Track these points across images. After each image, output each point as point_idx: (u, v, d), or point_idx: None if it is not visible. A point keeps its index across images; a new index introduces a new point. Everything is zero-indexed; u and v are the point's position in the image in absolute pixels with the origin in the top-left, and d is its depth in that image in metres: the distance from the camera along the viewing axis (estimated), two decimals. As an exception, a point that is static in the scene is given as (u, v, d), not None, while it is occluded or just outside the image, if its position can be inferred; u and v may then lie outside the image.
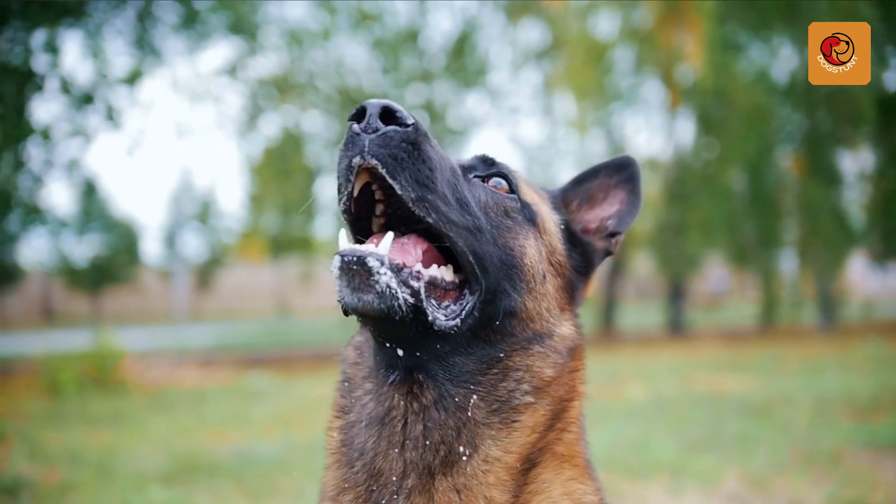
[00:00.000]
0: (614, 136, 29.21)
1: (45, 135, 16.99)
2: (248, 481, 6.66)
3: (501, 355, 1.89)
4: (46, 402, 13.39)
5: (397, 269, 1.73)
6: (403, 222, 1.89)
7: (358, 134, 1.78)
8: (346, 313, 1.79)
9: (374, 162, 1.75)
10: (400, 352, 1.83)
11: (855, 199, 29.71)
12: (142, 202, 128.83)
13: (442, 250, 1.90)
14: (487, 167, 2.12)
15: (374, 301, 1.71)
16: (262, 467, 7.24)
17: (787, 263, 31.09)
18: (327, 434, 2.08)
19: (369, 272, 1.70)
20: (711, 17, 23.44)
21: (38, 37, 16.04)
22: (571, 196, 2.38)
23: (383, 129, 1.77)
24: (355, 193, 1.84)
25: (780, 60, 27.02)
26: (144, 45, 17.95)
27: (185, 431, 9.88)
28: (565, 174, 30.59)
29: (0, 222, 18.71)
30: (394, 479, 1.84)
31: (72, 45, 34.06)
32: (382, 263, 1.71)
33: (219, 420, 10.93)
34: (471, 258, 1.85)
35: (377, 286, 1.70)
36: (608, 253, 2.34)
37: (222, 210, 60.16)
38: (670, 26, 25.76)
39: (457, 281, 1.89)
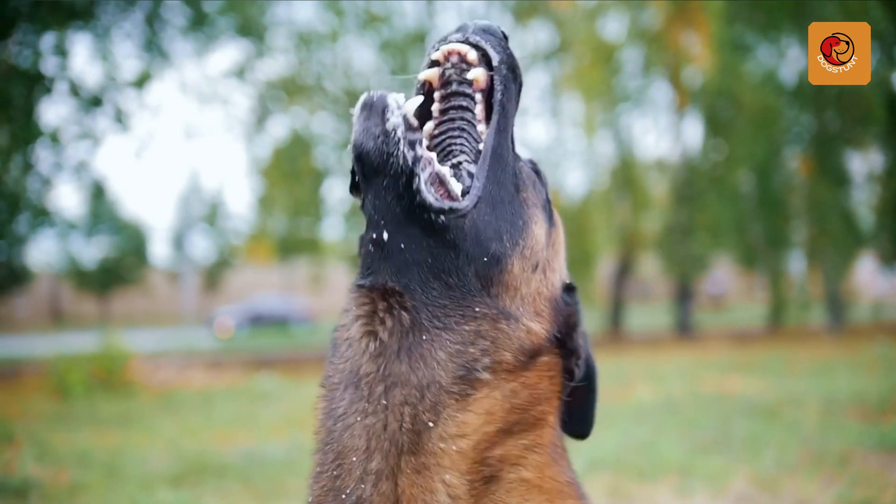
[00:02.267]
0: (622, 138, 29.21)
1: (54, 137, 17.07)
2: (257, 482, 6.67)
3: (476, 309, 1.75)
4: (55, 403, 13.44)
5: (410, 127, 1.70)
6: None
7: (466, 25, 1.84)
8: (355, 161, 1.75)
9: (476, 38, 1.80)
10: (385, 234, 1.72)
11: (864, 200, 29.67)
12: (150, 204, 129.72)
13: None
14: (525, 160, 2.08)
15: (380, 137, 1.68)
16: (270, 468, 7.25)
17: (796, 264, 31.05)
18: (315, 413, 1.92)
19: (385, 108, 1.69)
20: (719, 18, 23.42)
21: (47, 39, 16.12)
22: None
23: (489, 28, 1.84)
24: (421, 79, 1.86)
25: (788, 61, 26.98)
26: (153, 47, 18.02)
27: (194, 433, 9.90)
28: (573, 175, 30.64)
29: (9, 224, 18.79)
30: (354, 459, 1.72)
31: (80, 48, 34.30)
32: (400, 108, 1.70)
33: (227, 421, 10.95)
34: (489, 165, 1.80)
35: (387, 123, 1.68)
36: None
37: (230, 212, 60.40)
38: (678, 27, 25.75)
39: (456, 193, 1.79)
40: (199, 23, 18.94)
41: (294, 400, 13.04)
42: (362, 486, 1.70)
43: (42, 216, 19.76)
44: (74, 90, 16.56)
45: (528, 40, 27.98)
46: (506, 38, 1.84)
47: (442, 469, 1.69)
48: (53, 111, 27.01)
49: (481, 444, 1.74)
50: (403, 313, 1.72)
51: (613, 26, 28.73)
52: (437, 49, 1.83)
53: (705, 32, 24.01)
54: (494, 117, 1.81)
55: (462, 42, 1.80)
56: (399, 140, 1.67)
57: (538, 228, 1.89)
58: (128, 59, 18.05)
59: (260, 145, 27.85)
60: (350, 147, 1.74)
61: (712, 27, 23.41)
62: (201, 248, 61.31)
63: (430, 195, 1.69)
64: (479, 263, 1.75)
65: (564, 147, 29.77)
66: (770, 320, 30.39)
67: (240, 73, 24.09)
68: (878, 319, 29.90)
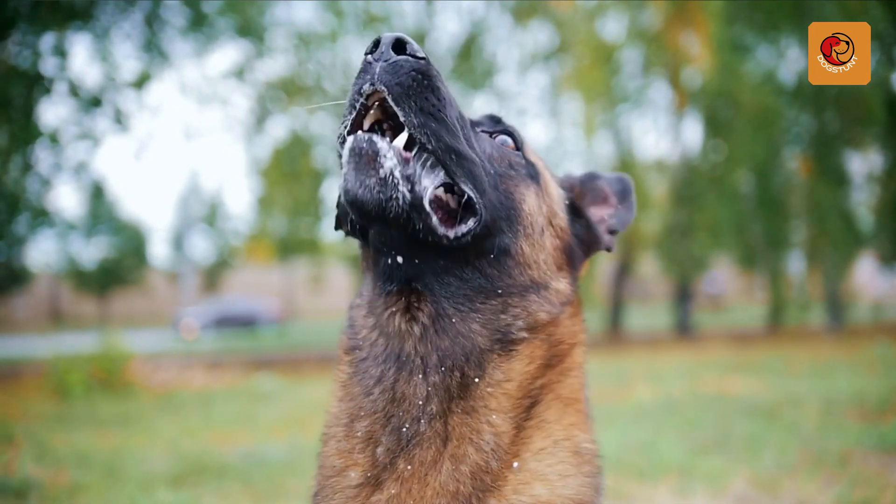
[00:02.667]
0: (622, 138, 29.21)
1: (54, 138, 17.07)
2: (256, 483, 6.66)
3: (499, 291, 1.93)
4: (54, 403, 13.43)
5: (403, 161, 1.74)
6: None
7: (370, 63, 1.81)
8: (349, 207, 1.77)
9: (381, 87, 1.77)
10: (399, 259, 1.85)
11: (863, 201, 29.67)
12: (149, 205, 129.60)
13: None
14: (494, 124, 2.16)
15: (376, 188, 1.70)
16: (269, 469, 7.25)
17: (795, 265, 31.05)
18: (336, 371, 2.11)
19: (377, 153, 1.72)
20: (719, 19, 23.43)
21: (47, 40, 16.12)
22: (586, 189, 2.44)
23: (394, 58, 1.79)
24: (366, 128, 1.85)
25: (788, 61, 26.98)
26: (152, 48, 18.01)
27: (193, 433, 9.89)
28: (573, 176, 30.55)
29: (8, 225, 18.78)
30: (419, 403, 1.88)
31: (80, 49, 34.31)
32: (391, 149, 1.73)
33: (226, 422, 10.94)
34: (471, 186, 1.85)
35: (381, 170, 1.71)
36: (608, 248, 2.40)
37: (230, 212, 60.37)
38: (678, 28, 25.76)
39: (455, 206, 1.88)
40: (198, 23, 18.93)
41: (294, 400, 13.03)
42: (420, 423, 1.88)
43: (42, 216, 19.76)
44: (74, 90, 16.56)
45: (528, 40, 27.99)
46: (415, 56, 1.82)
47: (489, 411, 1.89)
48: (53, 111, 26.99)
49: (525, 382, 1.94)
50: (430, 305, 1.88)
51: (613, 26, 28.78)
52: (357, 99, 1.83)
53: (705, 33, 24.02)
54: (444, 162, 1.82)
55: (372, 90, 1.79)
56: (397, 182, 1.72)
57: (530, 202, 2.04)
58: (127, 59, 18.06)
59: (259, 146, 27.85)
60: (343, 197, 1.77)
61: (712, 27, 23.42)
62: (201, 248, 61.36)
63: (440, 228, 1.79)
64: (489, 258, 1.91)
65: (564, 147, 29.78)
66: (770, 320, 30.38)
67: (239, 73, 24.07)
68: (878, 320, 29.88)
